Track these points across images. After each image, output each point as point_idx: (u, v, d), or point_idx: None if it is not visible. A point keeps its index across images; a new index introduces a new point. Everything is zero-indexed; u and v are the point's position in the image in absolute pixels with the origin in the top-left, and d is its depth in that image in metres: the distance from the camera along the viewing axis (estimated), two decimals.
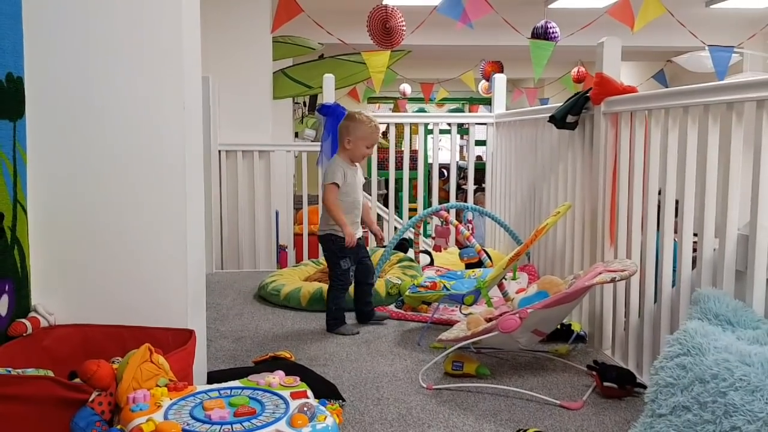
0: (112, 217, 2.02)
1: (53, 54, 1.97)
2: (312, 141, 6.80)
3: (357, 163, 3.11)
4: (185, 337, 1.98)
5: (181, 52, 1.99)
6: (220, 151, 4.73)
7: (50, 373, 1.74)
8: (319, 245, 3.15)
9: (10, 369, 1.69)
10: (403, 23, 5.32)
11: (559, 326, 2.71)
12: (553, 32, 5.79)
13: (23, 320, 1.92)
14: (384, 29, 5.32)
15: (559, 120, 2.98)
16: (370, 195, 4.85)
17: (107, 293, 2.04)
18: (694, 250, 2.23)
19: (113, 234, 2.03)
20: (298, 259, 5.09)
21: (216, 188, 4.69)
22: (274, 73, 5.21)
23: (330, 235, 3.01)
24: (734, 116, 2.00)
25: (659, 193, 2.38)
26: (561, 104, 3.05)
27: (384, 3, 5.48)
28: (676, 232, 2.30)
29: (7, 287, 1.88)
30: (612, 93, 2.68)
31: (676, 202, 2.27)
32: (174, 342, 1.96)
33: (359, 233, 3.09)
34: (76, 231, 2.02)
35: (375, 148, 4.58)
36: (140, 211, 2.03)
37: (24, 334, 1.89)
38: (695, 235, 2.22)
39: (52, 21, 1.96)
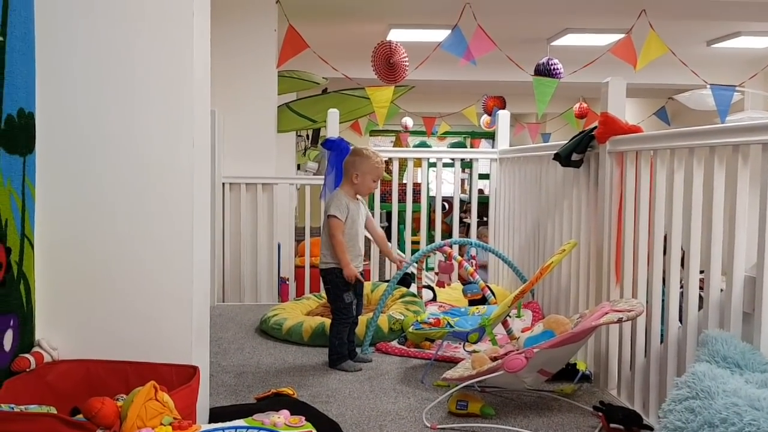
0: (117, 252, 2.03)
1: (64, 90, 2.00)
2: (314, 174, 6.83)
3: (359, 197, 3.13)
4: (189, 373, 1.97)
5: (191, 88, 2.03)
6: (224, 184, 4.74)
7: (53, 410, 1.73)
8: (321, 279, 3.15)
9: (13, 405, 1.68)
10: (407, 59, 5.40)
11: (564, 365, 2.69)
12: (555, 69, 5.86)
13: (27, 355, 1.91)
14: (388, 65, 5.40)
15: (564, 158, 3.00)
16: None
17: (111, 328, 2.04)
18: (701, 288, 2.24)
19: (118, 269, 2.03)
20: (299, 292, 5.07)
21: (219, 220, 4.69)
22: (278, 106, 5.27)
23: (333, 269, 3.01)
24: (740, 159, 2.02)
25: (665, 239, 2.39)
26: (566, 141, 3.08)
27: (388, 39, 5.56)
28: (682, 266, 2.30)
29: (12, 322, 1.88)
30: (617, 132, 2.71)
31: (683, 251, 2.28)
32: (178, 378, 1.95)
33: (360, 267, 3.09)
34: (81, 266, 2.03)
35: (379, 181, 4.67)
36: (146, 246, 2.04)
37: (27, 370, 1.88)
38: (701, 272, 2.23)
39: (64, 58, 2.00)
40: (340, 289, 3.02)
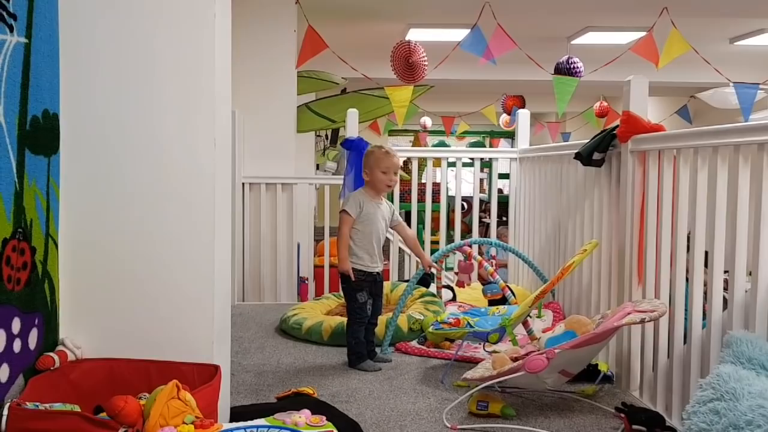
0: (140, 251, 2.05)
1: (88, 91, 2.02)
2: (333, 174, 6.85)
3: (382, 196, 3.12)
4: (211, 372, 1.98)
5: (213, 89, 2.04)
6: (243, 184, 4.77)
7: (77, 408, 1.75)
8: (340, 279, 3.15)
9: (38, 404, 1.70)
10: (426, 59, 5.39)
11: (586, 366, 2.67)
12: (576, 68, 5.82)
13: (51, 354, 1.93)
14: (407, 64, 5.39)
15: (585, 157, 2.98)
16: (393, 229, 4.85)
17: (133, 327, 2.06)
18: (725, 289, 2.21)
19: (140, 269, 2.05)
20: (318, 291, 5.09)
21: (239, 220, 4.72)
22: (298, 107, 5.28)
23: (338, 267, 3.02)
24: (765, 157, 1.99)
25: (688, 237, 2.36)
26: (587, 141, 3.06)
27: (407, 39, 5.56)
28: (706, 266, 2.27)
29: (37, 321, 1.91)
30: (639, 131, 2.69)
31: (706, 253, 2.25)
32: (200, 377, 1.96)
33: (378, 268, 3.08)
34: (104, 265, 2.05)
35: (398, 180, 4.66)
36: (169, 245, 2.05)
37: (52, 368, 1.91)
38: (726, 272, 2.20)
39: (88, 59, 2.02)
40: (354, 289, 3.03)
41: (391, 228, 3.19)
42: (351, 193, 3.15)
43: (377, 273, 3.09)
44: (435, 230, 8.08)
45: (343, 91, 6.39)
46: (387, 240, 3.82)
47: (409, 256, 4.98)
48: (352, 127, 4.36)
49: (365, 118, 5.75)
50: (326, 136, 8.17)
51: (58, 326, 2.03)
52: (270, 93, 5.01)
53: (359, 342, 3.04)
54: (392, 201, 5.09)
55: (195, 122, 2.03)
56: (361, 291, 3.03)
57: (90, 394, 1.93)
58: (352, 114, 4.38)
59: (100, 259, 2.05)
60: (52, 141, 1.99)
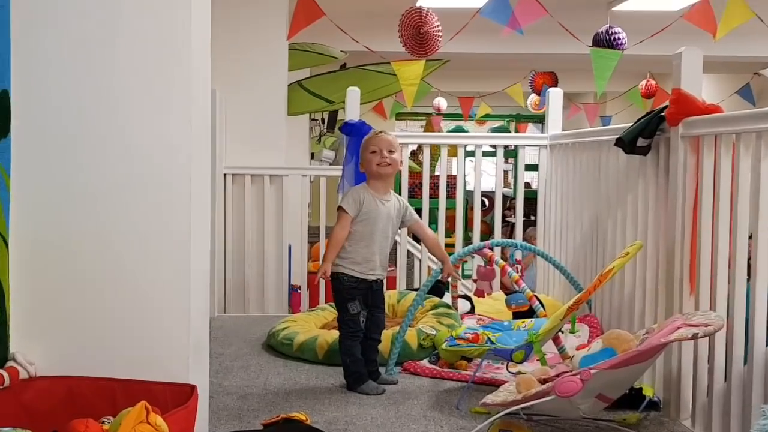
0: (105, 253, 2.06)
1: (44, 65, 2.04)
2: (331, 164, 6.86)
3: (390, 190, 3.14)
4: (186, 393, 2.00)
5: (189, 64, 2.05)
6: (225, 175, 4.79)
7: None
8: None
9: None
10: (440, 29, 5.39)
11: (627, 390, 2.68)
12: (618, 39, 5.81)
13: (0, 370, 1.95)
14: (417, 35, 5.40)
15: (628, 143, 2.99)
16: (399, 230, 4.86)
17: (97, 341, 2.07)
18: None
19: (105, 272, 2.07)
20: (313, 302, 5.09)
21: (220, 218, 4.74)
22: (289, 85, 5.30)
23: (338, 274, 3.04)
24: None
25: (750, 238, 2.36)
26: (629, 125, 3.06)
27: (417, 5, 5.56)
28: None
29: None
30: (692, 113, 2.68)
31: None
32: (173, 399, 1.98)
33: (381, 275, 3.09)
34: (63, 267, 2.07)
35: (405, 172, 4.67)
36: (138, 246, 2.07)
37: (1, 387, 1.92)
38: None
39: (44, 29, 2.03)
40: (344, 297, 3.04)
41: (406, 228, 3.21)
42: (352, 188, 3.16)
43: (374, 281, 3.09)
44: (450, 231, 8.07)
45: (343, 67, 6.40)
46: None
47: (420, 260, 4.99)
48: (353, 109, 4.37)
49: (368, 99, 5.75)
50: (322, 119, 8.18)
51: (8, 339, 2.04)
52: (257, 69, 5.02)
53: (356, 360, 3.06)
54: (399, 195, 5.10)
55: (168, 102, 2.05)
56: (353, 300, 3.04)
57: (45, 417, 1.95)
58: (353, 93, 4.40)
59: (57, 261, 2.06)
60: (1, 122, 2.00)
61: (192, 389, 2.01)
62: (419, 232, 3.27)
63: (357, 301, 3.05)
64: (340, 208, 3.05)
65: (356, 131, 4.07)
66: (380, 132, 3.17)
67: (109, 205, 2.06)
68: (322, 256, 3.08)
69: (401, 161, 3.27)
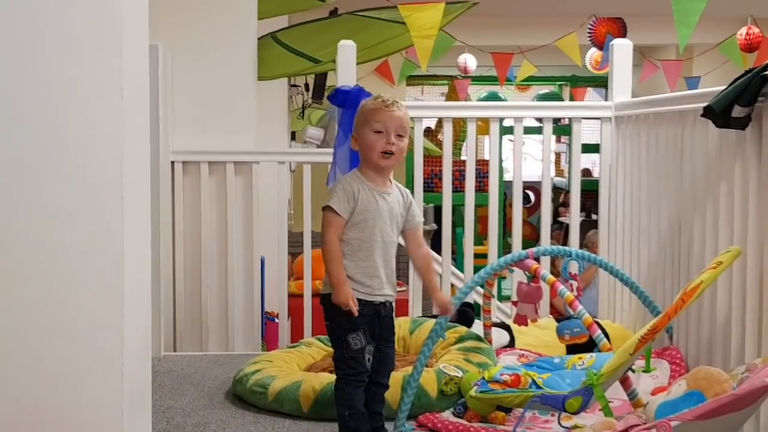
0: (6, 271, 2.07)
1: None
2: (319, 146, 6.86)
3: (389, 178, 3.13)
4: None
5: (120, 12, 2.06)
6: (173, 163, 4.80)
7: None
8: (323, 312, 3.16)
9: None
10: None
11: None
12: None
13: None
14: None
15: (720, 113, 2.98)
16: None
17: (1, 395, 2.07)
18: None
19: (9, 299, 2.07)
20: (296, 335, 5.09)
21: (167, 222, 4.75)
22: (259, 39, 5.29)
23: (330, 296, 3.03)
24: None
25: None
26: (722, 88, 3.05)
27: None
28: None
29: None
30: None
31: None
32: None
33: (385, 295, 3.07)
34: None
35: (419, 157, 4.66)
36: (51, 261, 2.07)
37: None
38: None
39: None
40: (343, 329, 3.01)
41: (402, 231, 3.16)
42: (341, 179, 3.13)
43: (381, 304, 3.08)
44: (481, 236, 8.08)
45: (333, 13, 6.40)
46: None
47: (440, 276, 4.98)
48: (347, 71, 4.36)
49: (368, 56, 5.75)
50: (306, 86, 8.18)
51: None
52: (215, 17, 5.01)
53: (357, 414, 3.04)
54: (411, 191, 5.08)
55: (89, 61, 2.05)
56: (355, 331, 3.02)
57: None
58: (347, 49, 4.39)
59: None
60: None
61: None
62: (412, 241, 3.16)
63: (361, 331, 3.02)
64: (327, 209, 3.02)
65: (352, 101, 4.07)
66: (390, 101, 3.08)
67: (10, 202, 2.06)
68: (330, 281, 3.00)
69: (405, 149, 3.18)
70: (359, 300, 3.00)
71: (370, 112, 3.05)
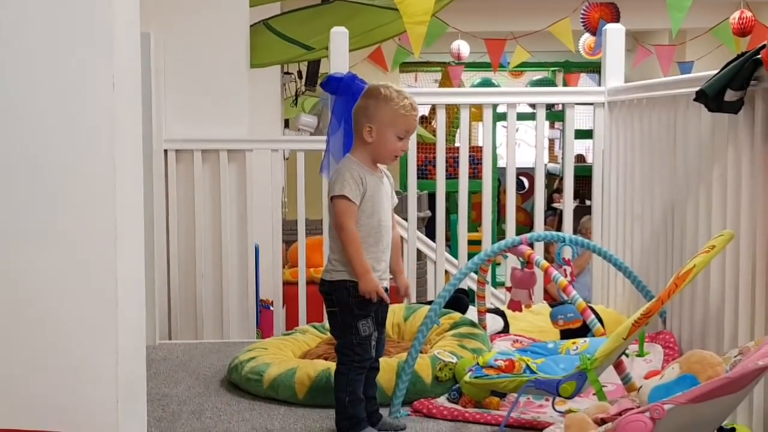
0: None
1: None
2: (312, 133, 6.85)
3: (383, 168, 3.14)
4: None
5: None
6: (167, 152, 4.79)
7: None
8: (324, 299, 3.16)
9: None
10: None
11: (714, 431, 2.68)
12: None
13: None
14: None
15: (712, 98, 2.98)
16: (406, 220, 4.87)
17: None
18: None
19: (1, 290, 2.07)
20: (291, 322, 5.08)
21: (161, 211, 4.74)
22: (252, 26, 5.28)
23: (344, 283, 3.03)
24: None
25: None
26: (715, 72, 3.05)
27: None
28: None
29: None
30: None
31: None
32: None
33: (385, 281, 3.09)
34: None
35: (413, 144, 4.66)
36: (45, 250, 2.07)
37: None
38: None
39: None
40: (354, 315, 3.02)
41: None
42: (341, 163, 3.14)
43: (385, 288, 3.09)
44: (475, 222, 8.07)
45: (325, 0, 6.37)
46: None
47: (434, 263, 4.99)
48: (340, 58, 4.35)
49: (361, 43, 5.74)
50: (299, 73, 8.17)
51: None
52: (206, 5, 4.98)
53: (356, 400, 3.05)
54: (405, 177, 5.09)
55: (80, 49, 2.05)
56: (365, 318, 3.03)
57: None
58: (340, 36, 4.38)
59: None
60: None
61: None
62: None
63: (371, 318, 3.04)
64: (341, 198, 2.99)
65: (344, 88, 4.06)
66: (412, 103, 3.06)
67: (5, 197, 2.06)
68: (354, 271, 2.97)
69: None
70: None
71: (402, 118, 3.04)
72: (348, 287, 3.01)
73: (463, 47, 10.21)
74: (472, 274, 4.02)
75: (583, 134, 6.49)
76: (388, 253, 3.10)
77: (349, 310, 3.03)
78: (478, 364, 3.20)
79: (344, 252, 3.00)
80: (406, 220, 4.84)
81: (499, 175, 8.56)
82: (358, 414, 3.05)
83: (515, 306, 3.89)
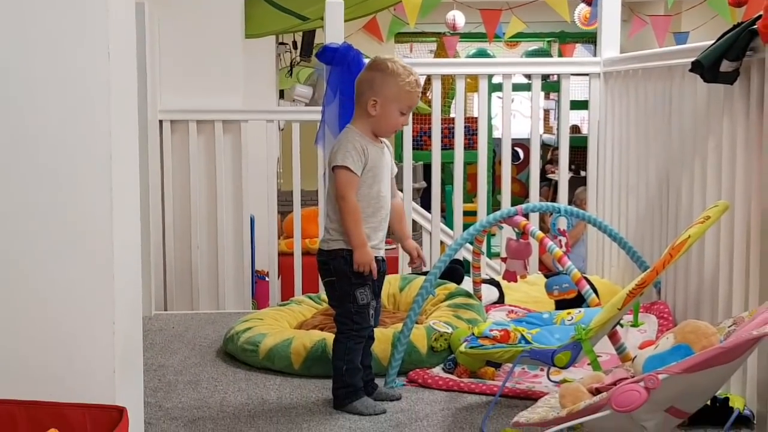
0: None
1: None
2: (307, 104, 6.84)
3: (383, 140, 3.14)
4: (112, 418, 2.01)
5: None
6: (162, 122, 4.78)
7: None
8: (318, 266, 3.17)
9: None
10: None
11: (709, 402, 2.69)
12: None
13: None
14: None
15: (708, 68, 2.97)
16: (401, 191, 4.86)
17: None
18: None
19: None
20: (286, 293, 5.10)
21: (156, 182, 4.74)
22: None
23: (341, 252, 3.04)
24: None
25: None
26: (711, 43, 3.05)
27: None
28: None
29: None
30: None
31: None
32: (95, 426, 1.99)
33: (381, 251, 3.11)
34: None
35: (409, 115, 4.65)
36: (39, 221, 2.07)
37: None
38: None
39: None
40: (352, 284, 3.04)
41: None
42: (342, 134, 3.13)
43: (382, 259, 3.12)
44: (470, 193, 8.08)
45: None
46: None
47: (429, 234, 5.00)
48: (335, 29, 4.34)
49: (356, 13, 5.72)
50: (294, 44, 8.14)
51: None
52: None
53: (354, 369, 3.07)
54: (400, 148, 5.08)
55: (75, 20, 2.04)
56: (363, 286, 3.05)
57: None
58: (335, 7, 4.36)
59: None
60: None
61: (120, 413, 2.02)
62: (391, 190, 3.20)
63: (368, 286, 3.06)
64: (343, 168, 3.00)
65: (340, 59, 4.04)
66: (417, 79, 3.09)
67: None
68: (351, 242, 2.99)
69: None
70: None
71: (407, 94, 3.06)
72: (345, 256, 3.03)
73: (458, 17, 10.18)
74: (468, 245, 4.03)
75: (579, 105, 6.50)
76: (386, 223, 3.12)
77: (347, 279, 3.05)
78: (473, 334, 3.22)
79: (343, 222, 3.01)
80: (401, 191, 4.84)
81: (494, 146, 8.54)
82: (355, 383, 3.07)
83: (510, 276, 3.90)
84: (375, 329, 3.21)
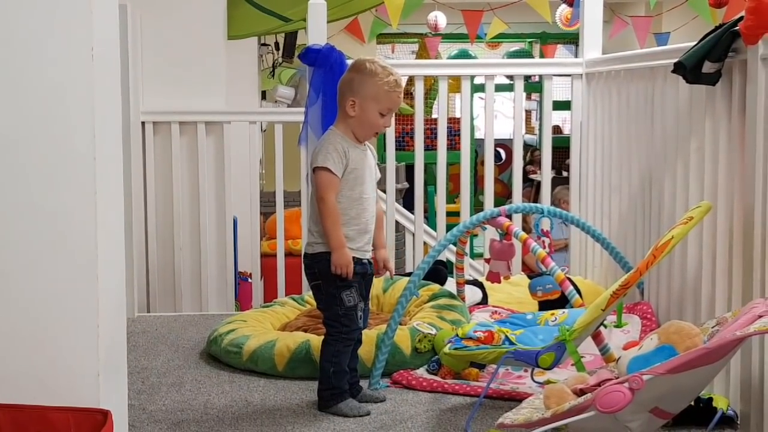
0: None
1: None
2: (289, 105, 6.83)
3: (365, 142, 3.14)
4: (96, 422, 2.00)
5: None
6: (144, 123, 4.77)
7: None
8: (303, 271, 3.17)
9: None
10: None
11: (693, 402, 2.70)
12: None
13: None
14: None
15: (690, 69, 2.98)
16: (384, 191, 4.86)
17: None
18: None
19: None
20: (269, 294, 5.09)
21: (138, 183, 4.72)
22: None
23: (326, 254, 3.04)
24: None
25: None
26: (693, 44, 3.06)
27: None
28: None
29: None
30: None
31: None
32: (79, 429, 1.99)
33: (367, 252, 3.11)
34: None
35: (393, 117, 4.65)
36: (22, 223, 2.06)
37: None
38: None
39: None
40: (337, 286, 3.04)
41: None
42: (324, 136, 3.13)
43: (368, 261, 3.12)
44: (453, 194, 8.09)
45: None
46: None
47: (413, 235, 5.00)
48: (318, 30, 4.33)
49: (339, 15, 5.72)
50: (276, 45, 8.14)
51: None
52: None
53: (340, 372, 3.07)
54: (383, 149, 5.08)
55: (58, 21, 2.03)
56: (349, 288, 3.05)
57: None
58: (317, 8, 4.36)
59: None
60: None
61: (105, 416, 2.01)
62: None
63: (354, 288, 3.06)
64: (323, 170, 3.00)
65: (322, 60, 4.05)
66: (397, 79, 3.07)
67: None
68: (330, 244, 2.98)
69: None
70: (352, 258, 3.02)
71: (385, 94, 3.04)
72: (329, 259, 3.03)
73: (440, 18, 10.20)
74: (451, 246, 4.03)
75: (561, 105, 6.51)
76: (372, 225, 3.11)
77: (332, 282, 3.04)
78: (457, 335, 3.22)
79: (321, 224, 3.01)
80: (384, 192, 4.84)
81: (477, 146, 8.56)
82: (341, 385, 3.08)
83: (494, 277, 3.91)
84: (362, 332, 3.21)
